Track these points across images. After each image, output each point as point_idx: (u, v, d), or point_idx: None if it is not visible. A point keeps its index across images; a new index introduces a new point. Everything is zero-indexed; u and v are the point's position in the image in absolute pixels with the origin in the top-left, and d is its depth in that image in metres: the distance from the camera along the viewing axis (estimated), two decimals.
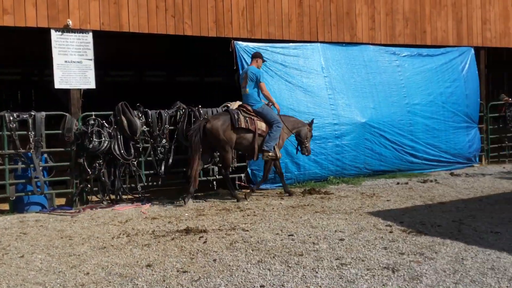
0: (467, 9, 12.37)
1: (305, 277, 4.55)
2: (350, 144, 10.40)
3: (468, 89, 11.82)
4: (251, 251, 5.41)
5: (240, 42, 9.80)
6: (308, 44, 10.60)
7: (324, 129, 10.19)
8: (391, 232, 6.04)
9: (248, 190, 9.01)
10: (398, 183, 9.75)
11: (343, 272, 4.66)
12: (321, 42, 10.74)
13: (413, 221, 6.57)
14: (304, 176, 10.04)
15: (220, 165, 9.05)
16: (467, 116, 11.75)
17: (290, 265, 4.89)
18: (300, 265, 4.88)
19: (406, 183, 9.76)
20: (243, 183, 9.65)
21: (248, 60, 9.68)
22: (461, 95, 11.71)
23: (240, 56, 9.72)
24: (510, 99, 12.82)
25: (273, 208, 7.74)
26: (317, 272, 4.66)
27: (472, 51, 12.15)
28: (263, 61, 9.05)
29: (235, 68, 9.72)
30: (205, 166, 8.98)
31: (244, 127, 8.36)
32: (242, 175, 9.69)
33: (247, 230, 6.33)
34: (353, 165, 10.50)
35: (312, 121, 9.33)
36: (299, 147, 9.25)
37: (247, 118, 8.46)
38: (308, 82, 10.33)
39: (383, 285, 4.33)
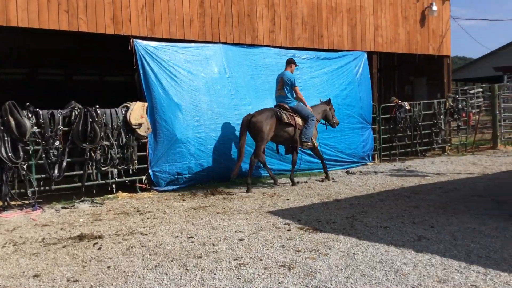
0: (360, 16, 13.05)
1: (203, 280, 4.51)
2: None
3: (361, 91, 12.46)
4: (148, 255, 5.27)
5: (140, 41, 9.54)
6: (210, 44, 10.58)
7: (228, 129, 10.22)
8: (289, 230, 6.18)
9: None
10: (298, 182, 10.02)
11: (241, 272, 4.68)
12: (223, 43, 10.76)
13: (310, 218, 6.78)
14: (208, 177, 10.00)
15: (125, 166, 9.15)
16: (361, 117, 12.38)
17: (188, 268, 4.82)
18: (199, 268, 4.83)
19: (306, 182, 10.06)
20: (144, 185, 9.40)
21: (149, 58, 9.51)
22: (355, 97, 12.31)
23: (140, 55, 9.46)
24: (400, 101, 13.70)
25: (174, 210, 7.62)
26: (215, 274, 4.64)
27: (365, 55, 12.82)
28: (296, 65, 10.16)
29: (135, 67, 9.44)
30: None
31: (287, 121, 9.51)
32: (143, 177, 9.44)
33: (146, 234, 6.16)
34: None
35: (329, 100, 10.63)
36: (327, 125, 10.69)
37: (288, 115, 9.58)
38: (211, 82, 10.31)
39: (279, 283, 4.40)
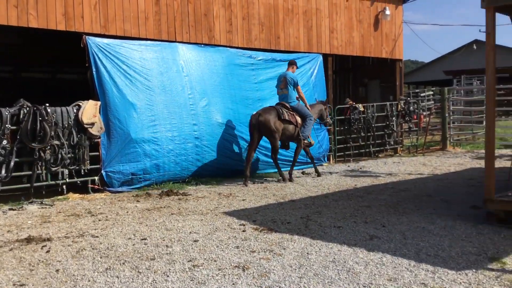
0: (316, 18, 13.21)
1: (156, 282, 4.44)
2: (210, 145, 10.47)
3: (317, 93, 12.61)
4: (99, 258, 5.14)
5: (92, 38, 9.31)
6: (167, 43, 10.45)
7: (184, 129, 10.12)
8: (244, 231, 6.17)
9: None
10: (254, 183, 10.04)
11: (194, 274, 4.64)
12: (179, 42, 10.65)
13: (265, 219, 6.81)
14: (163, 177, 9.87)
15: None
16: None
17: (140, 271, 4.73)
18: (151, 270, 4.75)
19: (262, 183, 10.10)
20: (96, 186, 9.18)
21: (102, 56, 9.30)
22: (311, 99, 12.41)
23: (92, 52, 9.22)
24: (354, 103, 13.96)
25: (127, 212, 7.47)
26: (168, 276, 4.58)
27: (321, 57, 12.99)
28: (297, 67, 10.72)
29: (87, 65, 9.21)
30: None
31: (288, 119, 10.04)
32: (96, 177, 9.22)
33: (97, 236, 6.01)
34: (213, 166, 10.57)
35: (326, 100, 11.49)
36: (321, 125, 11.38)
37: (288, 113, 10.13)
38: (167, 82, 10.17)
39: (233, 284, 4.39)
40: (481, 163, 11.91)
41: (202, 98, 10.55)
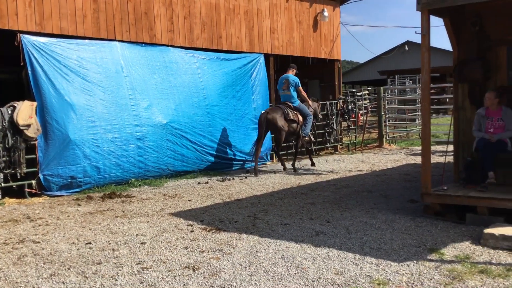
0: (257, 19, 13.34)
1: (104, 287, 4.34)
2: (153, 146, 10.32)
3: (259, 92, 12.74)
4: (42, 264, 4.96)
5: (27, 36, 8.93)
6: (106, 42, 10.18)
7: (125, 130, 9.90)
8: (192, 231, 6.15)
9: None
10: (199, 183, 10.01)
11: (144, 276, 4.58)
12: (119, 40, 10.42)
13: (213, 219, 6.81)
14: (104, 180, 9.61)
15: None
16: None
17: (87, 276, 4.61)
18: (98, 274, 4.64)
19: (207, 183, 10.07)
20: (34, 190, 8.81)
21: (38, 55, 8.98)
22: (254, 98, 12.56)
23: (28, 51, 8.85)
24: None
25: (68, 216, 7.23)
26: (116, 280, 4.49)
27: (262, 57, 13.13)
28: (297, 71, 11.72)
29: (22, 64, 8.82)
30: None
31: (292, 118, 11.07)
32: (33, 181, 8.85)
33: (38, 242, 5.79)
34: (156, 167, 10.43)
35: (317, 99, 12.74)
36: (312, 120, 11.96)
37: (292, 112, 11.15)
38: (107, 82, 9.92)
39: (184, 285, 4.37)
40: (415, 159, 12.49)
41: (143, 99, 10.37)
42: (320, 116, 13.36)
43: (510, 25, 6.97)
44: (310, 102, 12.18)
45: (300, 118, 11.39)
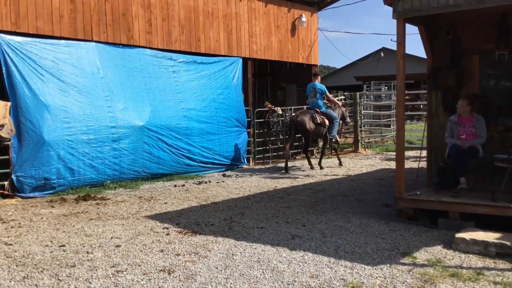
0: (236, 22, 13.37)
1: None
2: (128, 148, 10.24)
3: (238, 96, 12.78)
4: (15, 266, 4.88)
5: (2, 35, 8.79)
6: (82, 42, 10.08)
7: (101, 132, 9.81)
8: (168, 234, 6.13)
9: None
10: (175, 186, 9.97)
11: (118, 279, 4.55)
12: (96, 41, 10.32)
13: (189, 221, 6.80)
14: (79, 182, 9.50)
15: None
16: (238, 121, 12.69)
17: (60, 278, 4.56)
18: (72, 277, 4.59)
19: (183, 185, 10.04)
20: (6, 191, 8.65)
21: (13, 55, 8.88)
22: (232, 101, 12.59)
23: (2, 50, 8.73)
24: (273, 106, 14.29)
25: (42, 218, 7.13)
26: (90, 283, 4.45)
27: (241, 61, 13.17)
28: (321, 77, 12.93)
29: None
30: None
31: (319, 122, 12.06)
32: (6, 182, 8.69)
33: (11, 244, 5.69)
34: (132, 169, 10.35)
35: (342, 104, 13.39)
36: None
37: (319, 117, 12.12)
38: (83, 83, 9.82)
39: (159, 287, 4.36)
40: (390, 164, 12.68)
41: (120, 100, 10.29)
42: (349, 120, 14.29)
43: (482, 34, 7.17)
44: (340, 105, 13.13)
45: (327, 121, 12.29)
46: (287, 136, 12.83)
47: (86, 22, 10.22)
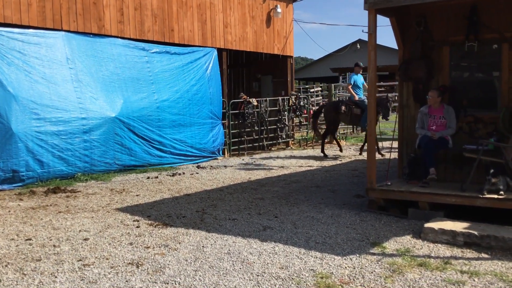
0: (210, 12, 13.24)
1: (42, 284, 4.21)
2: (100, 139, 10.07)
3: (212, 87, 12.66)
4: None
5: None
6: (51, 32, 9.84)
7: (71, 123, 9.62)
8: (138, 227, 6.05)
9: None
10: (148, 178, 9.86)
11: (85, 273, 4.47)
12: (66, 31, 10.09)
13: (160, 214, 6.73)
14: (48, 174, 9.31)
15: None
16: (211, 113, 12.59)
17: (25, 273, 4.45)
18: (37, 271, 4.49)
19: (156, 177, 9.94)
20: None
21: None
22: (205, 93, 12.46)
23: None
24: (248, 98, 14.22)
25: (9, 211, 6.96)
26: (56, 277, 4.36)
27: (215, 52, 13.05)
28: (360, 67, 12.93)
29: None
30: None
31: (343, 112, 12.32)
32: None
33: None
34: (103, 161, 10.19)
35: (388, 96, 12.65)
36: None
37: (348, 106, 12.36)
38: (52, 73, 9.60)
39: (127, 281, 4.29)
40: (363, 155, 12.76)
41: (90, 91, 10.09)
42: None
43: (453, 26, 7.23)
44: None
45: (357, 111, 12.49)
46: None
47: (55, 11, 9.98)
